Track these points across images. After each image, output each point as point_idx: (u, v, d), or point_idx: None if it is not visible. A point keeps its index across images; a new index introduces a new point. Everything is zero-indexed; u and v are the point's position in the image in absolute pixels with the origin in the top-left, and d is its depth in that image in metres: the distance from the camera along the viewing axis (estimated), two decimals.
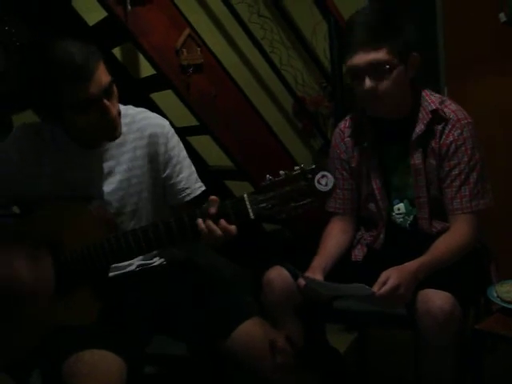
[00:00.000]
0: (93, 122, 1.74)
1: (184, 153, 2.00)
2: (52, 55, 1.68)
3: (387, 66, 1.91)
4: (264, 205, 1.65)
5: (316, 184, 1.62)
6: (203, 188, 2.02)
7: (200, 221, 1.69)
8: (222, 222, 1.68)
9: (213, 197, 1.70)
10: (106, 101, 1.72)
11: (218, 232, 1.68)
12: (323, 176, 1.63)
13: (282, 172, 1.65)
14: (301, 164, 1.66)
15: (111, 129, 1.80)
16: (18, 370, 1.78)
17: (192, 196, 1.99)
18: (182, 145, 2.01)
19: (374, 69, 1.92)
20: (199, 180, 2.02)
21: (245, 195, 1.66)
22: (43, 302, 1.74)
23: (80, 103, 1.69)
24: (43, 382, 1.72)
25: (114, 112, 1.76)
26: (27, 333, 1.76)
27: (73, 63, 1.65)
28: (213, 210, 1.68)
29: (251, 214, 1.66)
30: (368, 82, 1.93)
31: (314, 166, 1.64)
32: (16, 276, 1.72)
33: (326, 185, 1.63)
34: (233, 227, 1.69)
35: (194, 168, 2.02)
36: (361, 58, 1.91)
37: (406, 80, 2.01)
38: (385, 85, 1.94)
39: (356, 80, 1.97)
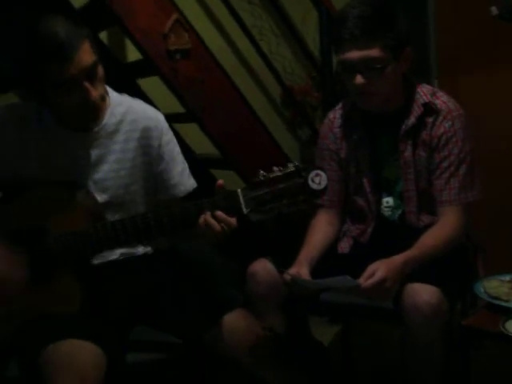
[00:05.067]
0: (72, 103, 1.70)
1: (178, 148, 1.97)
2: (36, 31, 1.64)
3: (380, 64, 1.89)
4: (257, 201, 1.63)
5: (310, 182, 1.62)
6: (195, 185, 1.99)
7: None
8: (220, 214, 1.65)
9: (220, 181, 1.69)
10: (86, 83, 1.67)
11: (217, 226, 1.65)
12: (317, 175, 1.63)
13: (275, 168, 1.64)
14: (289, 157, 1.65)
15: (91, 113, 1.77)
16: None
17: (184, 192, 1.95)
18: (175, 140, 1.97)
19: (367, 65, 1.89)
20: (191, 176, 1.99)
21: (238, 190, 1.64)
22: (15, 290, 1.71)
23: (59, 83, 1.65)
24: (20, 372, 1.69)
25: (96, 95, 1.71)
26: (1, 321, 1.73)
27: (54, 41, 1.61)
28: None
29: (244, 210, 1.64)
30: (360, 78, 1.91)
31: (307, 165, 1.64)
32: None
33: (320, 183, 1.63)
34: (233, 219, 1.66)
35: (186, 164, 1.99)
36: (354, 54, 1.89)
37: (399, 75, 1.99)
38: (377, 82, 1.92)
39: (347, 74, 1.94)
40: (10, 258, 1.71)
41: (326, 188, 1.63)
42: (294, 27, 3.72)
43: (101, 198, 1.84)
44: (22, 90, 1.88)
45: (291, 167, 1.63)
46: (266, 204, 1.63)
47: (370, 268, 1.80)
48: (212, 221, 1.65)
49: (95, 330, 1.69)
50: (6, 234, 1.74)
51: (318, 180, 1.62)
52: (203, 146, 3.46)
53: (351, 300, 2.00)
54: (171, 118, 2.75)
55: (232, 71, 3.24)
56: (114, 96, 1.87)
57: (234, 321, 1.84)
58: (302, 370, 2.06)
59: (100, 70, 1.73)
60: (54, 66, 1.63)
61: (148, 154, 1.89)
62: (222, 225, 1.65)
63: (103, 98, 1.78)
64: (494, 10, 2.96)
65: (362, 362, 2.64)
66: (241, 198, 1.64)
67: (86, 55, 1.67)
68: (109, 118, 1.84)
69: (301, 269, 1.93)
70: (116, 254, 1.91)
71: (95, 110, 1.77)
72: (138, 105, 1.93)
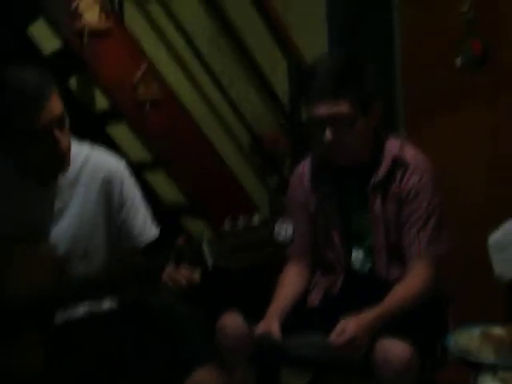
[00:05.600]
0: (43, 153, 1.69)
1: (139, 195, 1.95)
2: (4, 82, 1.65)
3: (349, 119, 1.90)
4: (222, 253, 1.61)
5: (276, 233, 1.59)
6: (157, 233, 1.96)
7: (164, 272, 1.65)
8: (185, 271, 1.63)
9: (180, 240, 1.67)
10: (57, 132, 1.67)
11: (182, 282, 1.63)
12: (283, 225, 1.60)
13: (241, 218, 1.62)
14: (258, 205, 1.64)
15: (61, 161, 1.75)
16: None
17: (146, 241, 1.93)
18: (137, 187, 1.95)
19: (336, 121, 1.91)
20: (154, 224, 1.97)
21: (203, 243, 1.62)
22: None
23: (30, 133, 1.64)
24: None
25: (66, 143, 1.71)
26: None
27: (25, 92, 1.61)
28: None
29: (209, 263, 1.62)
30: (329, 134, 1.92)
31: (274, 215, 1.63)
32: None
33: (286, 234, 1.60)
34: (196, 276, 1.64)
35: (148, 211, 1.97)
36: (323, 110, 1.90)
37: (369, 129, 2.00)
38: (346, 137, 1.93)
39: (316, 130, 1.95)
40: None
41: (292, 239, 1.61)
42: (263, 75, 3.75)
43: (64, 248, 1.81)
44: None
45: (258, 217, 1.62)
46: (232, 255, 1.61)
47: (341, 325, 1.78)
48: (176, 276, 1.64)
49: None
50: None
51: (284, 231, 1.60)
52: (171, 194, 3.44)
53: (321, 355, 1.96)
54: (140, 166, 2.75)
55: (201, 119, 3.26)
56: (73, 145, 1.84)
57: (203, 377, 1.79)
58: None
59: (67, 120, 1.73)
60: (26, 116, 1.62)
61: (109, 202, 1.88)
62: (185, 280, 1.64)
63: (70, 147, 1.77)
64: (458, 61, 3.05)
65: None
66: (206, 249, 1.62)
67: (56, 105, 1.67)
68: (69, 168, 1.82)
69: (271, 323, 1.91)
70: (80, 311, 1.87)
71: (63, 159, 1.75)
72: (98, 153, 1.91)
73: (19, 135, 1.66)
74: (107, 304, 1.95)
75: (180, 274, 1.64)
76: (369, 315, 1.83)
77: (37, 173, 1.79)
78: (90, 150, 1.90)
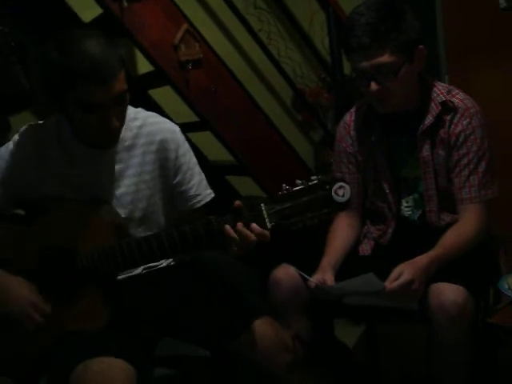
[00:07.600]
0: (92, 125, 1.70)
1: (194, 159, 1.98)
2: (75, 46, 1.63)
3: (393, 68, 1.88)
4: (281, 215, 1.63)
5: (333, 195, 1.63)
6: (213, 194, 1.99)
7: (228, 227, 1.66)
8: (255, 226, 1.64)
9: (237, 202, 1.67)
10: (112, 110, 1.68)
11: (251, 237, 1.64)
12: (340, 187, 1.64)
13: (298, 181, 1.64)
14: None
15: (108, 138, 1.77)
16: (25, 379, 1.76)
17: (202, 203, 1.96)
18: (191, 151, 1.98)
19: (379, 71, 1.88)
20: (208, 186, 2.00)
21: (262, 205, 1.64)
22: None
23: (86, 104, 1.65)
24: None
25: (116, 123, 1.72)
26: (30, 343, 1.74)
27: (94, 63, 1.60)
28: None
29: (268, 225, 1.64)
30: (374, 85, 1.90)
31: (331, 177, 1.65)
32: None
33: (343, 195, 1.64)
34: (267, 233, 1.65)
35: (203, 174, 1.99)
36: (365, 63, 1.88)
37: (414, 75, 1.98)
38: (392, 86, 1.90)
39: (362, 81, 1.93)
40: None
41: (349, 200, 1.65)
42: (301, 29, 3.73)
43: (123, 212, 1.86)
44: (40, 105, 1.85)
45: (314, 180, 1.63)
46: (290, 217, 1.64)
47: (396, 270, 1.79)
48: (246, 231, 1.64)
49: (123, 346, 1.69)
50: (35, 255, 1.76)
51: (341, 192, 1.64)
52: (218, 153, 3.48)
53: (374, 302, 1.98)
54: (185, 127, 2.78)
55: (243, 77, 3.25)
56: (129, 110, 1.86)
57: (260, 328, 1.84)
58: (328, 373, 2.06)
59: (127, 97, 1.73)
60: (88, 88, 1.62)
61: (165, 166, 1.90)
62: (256, 237, 1.64)
63: (122, 124, 1.78)
64: (503, 2, 2.97)
65: (387, 363, 2.63)
66: (264, 212, 1.64)
67: (120, 83, 1.67)
68: (125, 133, 1.84)
69: (325, 275, 1.92)
70: (139, 268, 1.92)
71: (112, 136, 1.78)
72: (154, 118, 1.93)
73: (75, 102, 1.67)
74: (165, 261, 2.00)
75: (250, 230, 1.64)
76: (423, 259, 1.82)
77: (88, 139, 1.81)
78: (146, 115, 1.92)
